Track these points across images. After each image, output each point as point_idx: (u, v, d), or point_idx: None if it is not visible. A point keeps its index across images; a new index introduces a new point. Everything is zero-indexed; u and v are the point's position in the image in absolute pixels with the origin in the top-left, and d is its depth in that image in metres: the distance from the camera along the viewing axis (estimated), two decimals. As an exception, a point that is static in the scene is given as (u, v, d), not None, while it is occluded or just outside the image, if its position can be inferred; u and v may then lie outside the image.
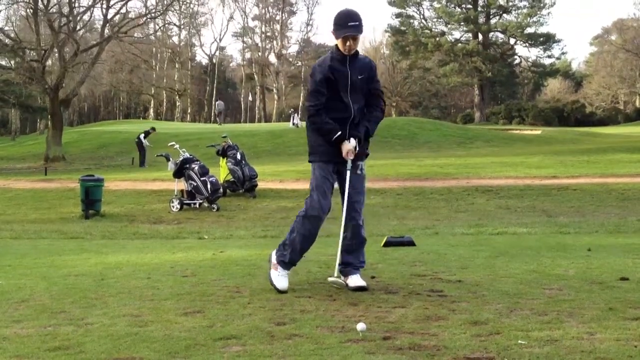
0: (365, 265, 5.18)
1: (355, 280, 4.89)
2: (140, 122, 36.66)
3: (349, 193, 4.91)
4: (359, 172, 4.98)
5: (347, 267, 5.00)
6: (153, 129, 31.31)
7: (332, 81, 4.78)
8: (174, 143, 17.69)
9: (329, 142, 4.81)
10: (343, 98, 4.81)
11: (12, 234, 11.16)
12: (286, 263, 4.89)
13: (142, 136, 29.08)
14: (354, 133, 4.82)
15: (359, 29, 4.71)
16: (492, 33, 71.19)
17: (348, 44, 4.73)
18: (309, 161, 5.01)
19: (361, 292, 4.75)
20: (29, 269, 6.34)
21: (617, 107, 73.56)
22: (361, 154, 4.96)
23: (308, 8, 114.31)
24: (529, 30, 68.41)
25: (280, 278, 4.84)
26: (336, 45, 4.84)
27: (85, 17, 39.46)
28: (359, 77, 4.82)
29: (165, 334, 3.74)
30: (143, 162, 28.68)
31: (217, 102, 57.35)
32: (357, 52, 4.88)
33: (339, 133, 4.76)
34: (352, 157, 4.81)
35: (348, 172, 4.84)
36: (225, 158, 17.75)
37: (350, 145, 4.78)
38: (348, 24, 4.69)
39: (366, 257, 5.29)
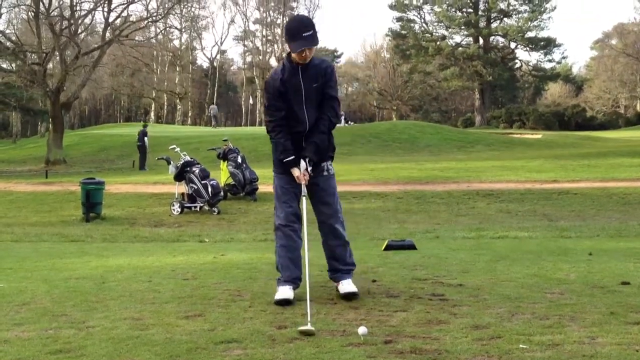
0: (355, 267, 4.98)
1: (345, 286, 4.70)
2: (141, 126, 36.69)
3: (319, 195, 4.78)
4: (325, 173, 4.81)
5: (335, 273, 4.82)
6: (145, 125, 31.48)
7: (285, 94, 4.60)
8: (174, 146, 17.70)
9: (280, 160, 4.71)
10: (298, 112, 4.64)
11: (13, 237, 11.16)
12: (283, 281, 4.70)
13: (146, 139, 29.04)
14: (303, 154, 4.65)
15: (314, 39, 4.45)
16: (492, 37, 71.30)
17: (304, 54, 4.52)
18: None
19: (363, 296, 4.70)
20: (30, 272, 6.33)
21: (618, 111, 73.60)
22: (323, 159, 4.80)
23: (309, 12, 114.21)
24: (530, 34, 68.55)
25: (279, 292, 4.63)
26: (288, 53, 4.63)
27: (87, 20, 39.50)
28: (314, 86, 4.62)
29: (166, 337, 3.74)
30: (143, 165, 28.66)
31: (210, 107, 58.66)
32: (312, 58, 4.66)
33: (291, 157, 4.64)
34: (305, 182, 4.64)
35: (304, 199, 4.68)
36: (226, 161, 17.75)
37: (298, 172, 4.63)
38: (302, 34, 4.44)
39: (367, 260, 5.28)
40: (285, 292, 4.62)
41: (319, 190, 4.79)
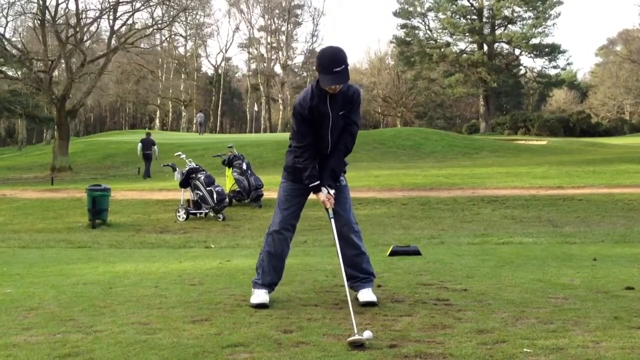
0: (374, 277, 5.00)
1: (365, 294, 4.75)
2: (143, 134, 37.02)
3: (334, 208, 4.77)
4: (337, 184, 4.84)
5: (355, 282, 4.84)
6: (149, 134, 31.43)
7: (313, 121, 4.65)
8: (180, 153, 17.76)
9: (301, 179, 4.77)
10: (324, 137, 4.71)
11: (20, 243, 11.20)
12: (261, 285, 4.82)
13: (155, 147, 29.00)
14: (326, 183, 4.70)
15: (344, 76, 4.46)
16: (497, 44, 71.35)
17: (333, 87, 4.54)
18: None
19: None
20: (38, 278, 6.37)
21: (623, 117, 73.50)
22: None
23: (313, 19, 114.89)
24: (534, 41, 68.57)
25: (255, 296, 4.76)
26: (317, 79, 4.63)
27: (92, 28, 39.69)
28: (340, 113, 4.67)
29: (173, 341, 3.77)
30: (149, 173, 28.61)
31: (198, 114, 59.86)
32: None
33: (316, 183, 4.69)
34: (330, 206, 4.70)
35: (332, 221, 4.73)
36: (231, 168, 17.81)
37: (323, 196, 4.69)
38: (333, 70, 4.43)
39: (372, 266, 5.28)
40: (261, 296, 4.74)
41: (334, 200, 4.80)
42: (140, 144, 29.29)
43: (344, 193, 4.88)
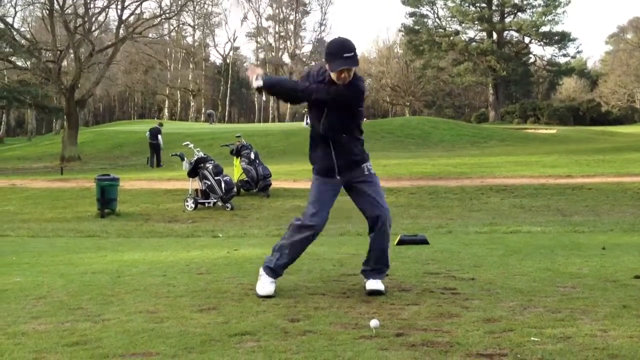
0: (389, 267, 4.89)
1: (372, 283, 4.68)
2: (154, 122, 37.06)
3: (373, 197, 4.70)
4: (366, 172, 4.74)
5: (367, 270, 4.79)
6: (161, 124, 31.56)
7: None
8: (188, 142, 17.78)
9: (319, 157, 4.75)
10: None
11: (30, 232, 11.28)
12: (271, 269, 4.74)
13: (159, 136, 29.07)
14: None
15: (354, 60, 4.41)
16: (506, 32, 70.98)
17: (343, 75, 4.45)
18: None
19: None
20: (47, 267, 6.41)
21: (633, 106, 72.97)
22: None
23: (322, 8, 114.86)
24: (544, 28, 68.20)
25: (261, 286, 4.70)
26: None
27: (101, 17, 39.74)
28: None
29: (180, 329, 3.78)
30: (159, 162, 28.68)
31: (208, 111, 64.68)
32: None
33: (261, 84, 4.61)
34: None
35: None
36: (239, 157, 17.83)
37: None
38: (343, 54, 4.38)
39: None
40: (268, 287, 4.66)
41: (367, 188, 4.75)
42: (148, 133, 29.49)
43: (374, 181, 4.76)
